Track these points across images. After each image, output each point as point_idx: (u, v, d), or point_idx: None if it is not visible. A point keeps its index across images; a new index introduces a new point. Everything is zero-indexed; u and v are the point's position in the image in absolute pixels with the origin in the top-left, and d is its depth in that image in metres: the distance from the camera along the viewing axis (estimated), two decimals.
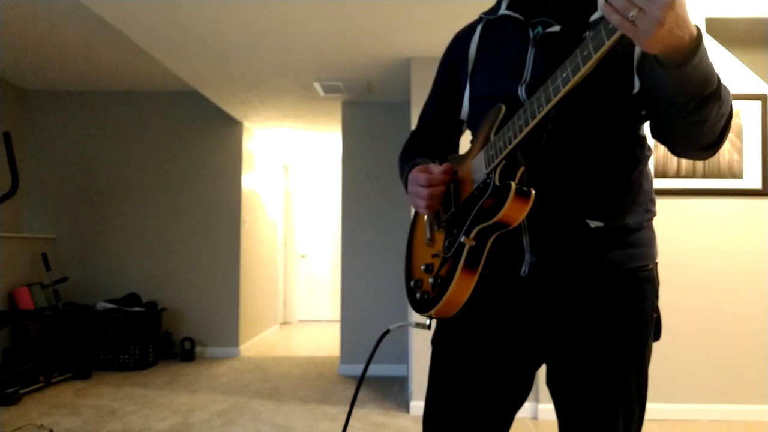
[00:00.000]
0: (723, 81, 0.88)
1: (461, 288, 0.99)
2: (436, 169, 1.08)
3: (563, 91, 0.83)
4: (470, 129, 1.18)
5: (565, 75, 0.82)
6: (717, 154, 3.35)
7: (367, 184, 4.81)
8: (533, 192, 0.92)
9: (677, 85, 0.83)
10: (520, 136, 0.92)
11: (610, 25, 0.75)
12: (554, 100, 0.85)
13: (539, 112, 0.88)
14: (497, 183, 0.96)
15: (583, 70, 0.80)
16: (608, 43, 0.76)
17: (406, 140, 1.34)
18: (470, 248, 0.98)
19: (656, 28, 0.72)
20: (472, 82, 1.15)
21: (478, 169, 1.02)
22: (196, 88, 4.48)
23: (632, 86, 0.98)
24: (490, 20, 1.15)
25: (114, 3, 2.94)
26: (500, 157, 0.96)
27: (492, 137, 1.00)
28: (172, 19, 3.17)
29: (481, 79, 1.14)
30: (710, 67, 0.83)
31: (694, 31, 0.77)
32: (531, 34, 1.05)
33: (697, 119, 0.87)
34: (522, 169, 0.96)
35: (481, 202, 0.97)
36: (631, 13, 0.72)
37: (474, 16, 1.23)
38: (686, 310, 3.37)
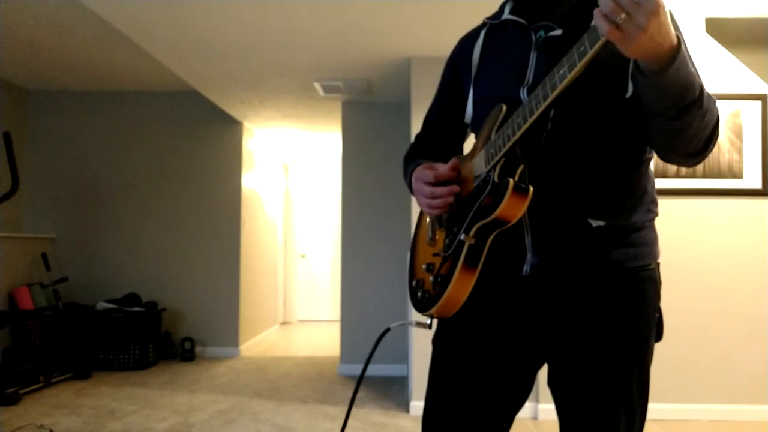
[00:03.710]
0: (706, 88, 0.89)
1: (461, 286, 0.99)
2: (442, 166, 1.09)
3: (560, 87, 0.84)
4: (473, 131, 1.19)
5: (561, 72, 0.83)
6: (717, 154, 3.37)
7: (367, 184, 4.81)
8: (531, 188, 0.93)
9: (656, 92, 0.85)
10: (518, 133, 0.93)
11: None
12: (551, 97, 0.86)
13: (537, 109, 0.89)
14: (496, 180, 0.96)
15: (579, 65, 0.80)
16: (603, 39, 0.77)
17: (410, 144, 1.35)
18: (470, 246, 0.98)
19: (640, 33, 0.75)
20: (476, 85, 1.16)
21: (479, 167, 1.03)
22: (196, 88, 4.48)
23: (626, 90, 0.99)
24: (493, 25, 1.17)
25: (114, 3, 2.94)
26: (499, 155, 0.97)
27: (492, 136, 1.01)
28: (172, 19, 3.17)
29: (484, 82, 1.15)
30: (691, 76, 0.85)
31: (674, 41, 0.80)
32: (533, 38, 1.06)
33: (678, 127, 0.89)
34: (522, 166, 0.96)
35: (480, 200, 0.98)
36: (620, 17, 0.74)
37: (474, 17, 1.24)
38: (686, 310, 3.37)
